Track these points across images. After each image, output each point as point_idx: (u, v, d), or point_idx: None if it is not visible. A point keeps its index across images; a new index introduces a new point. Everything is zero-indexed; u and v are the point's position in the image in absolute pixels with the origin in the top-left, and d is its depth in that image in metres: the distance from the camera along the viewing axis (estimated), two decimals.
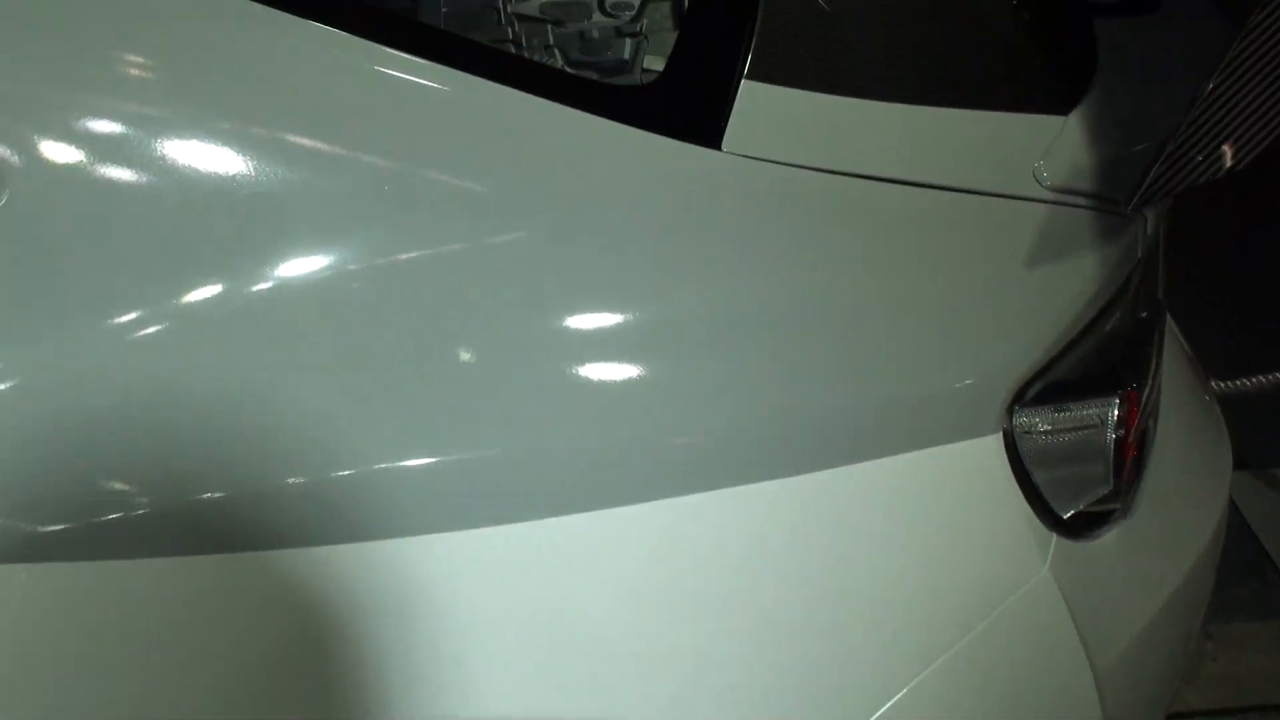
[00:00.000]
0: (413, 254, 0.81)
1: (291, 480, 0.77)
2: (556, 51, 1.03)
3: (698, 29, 1.04)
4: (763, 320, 0.87)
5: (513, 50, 1.03)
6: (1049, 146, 1.00)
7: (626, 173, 0.89)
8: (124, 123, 0.76)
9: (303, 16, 0.82)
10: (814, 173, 0.91)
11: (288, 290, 0.77)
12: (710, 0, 1.08)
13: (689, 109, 0.94)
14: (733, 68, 0.97)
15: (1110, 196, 1.01)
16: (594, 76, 1.01)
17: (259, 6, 0.79)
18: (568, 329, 0.83)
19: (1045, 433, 0.94)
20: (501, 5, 1.10)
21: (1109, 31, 1.16)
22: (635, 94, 0.95)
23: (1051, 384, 0.96)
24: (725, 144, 0.90)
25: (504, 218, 0.84)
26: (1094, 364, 0.99)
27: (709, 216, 0.88)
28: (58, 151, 0.75)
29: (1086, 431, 0.96)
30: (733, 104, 0.93)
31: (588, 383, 0.83)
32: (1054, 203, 0.98)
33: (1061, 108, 1.04)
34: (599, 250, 0.85)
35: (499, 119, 0.87)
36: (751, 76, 0.96)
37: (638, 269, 0.86)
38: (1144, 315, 1.08)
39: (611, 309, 0.84)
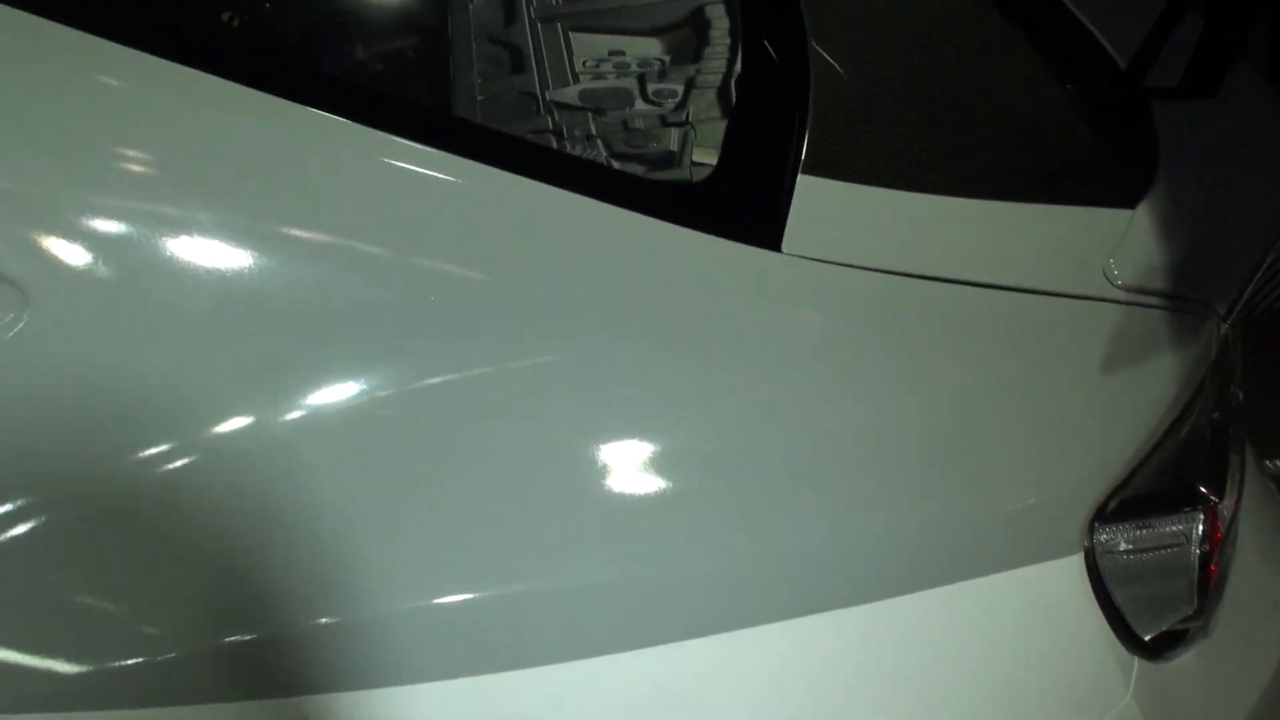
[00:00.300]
0: (452, 376, 0.75)
1: (322, 621, 0.71)
2: (599, 142, 0.98)
3: (747, 120, 0.99)
4: (832, 441, 0.81)
5: (553, 141, 0.98)
6: (1118, 243, 0.94)
7: (680, 279, 0.83)
8: (146, 232, 0.71)
9: (340, 116, 0.77)
10: (879, 275, 0.86)
11: (319, 419, 0.72)
12: (758, 89, 1.04)
13: (745, 207, 0.89)
14: (787, 161, 0.92)
15: (1185, 295, 0.96)
16: (640, 170, 0.96)
17: (316, 112, 0.74)
18: (623, 455, 0.78)
19: (1127, 551, 0.88)
20: (539, 93, 1.05)
21: (1168, 117, 1.12)
22: (686, 191, 0.89)
23: (1131, 497, 0.90)
24: (785, 245, 0.85)
25: (553, 332, 0.78)
26: (1174, 474, 0.93)
27: (771, 326, 0.83)
28: (78, 265, 0.69)
29: (1170, 550, 0.90)
30: (790, 200, 0.88)
31: (641, 511, 0.77)
32: (1127, 303, 0.93)
33: (1128, 200, 0.99)
34: (655, 366, 0.80)
35: (545, 221, 0.82)
36: (808, 171, 0.91)
37: (697, 387, 0.80)
38: (1217, 416, 1.02)
39: (672, 431, 0.79)
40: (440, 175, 0.79)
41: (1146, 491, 0.91)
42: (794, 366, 0.82)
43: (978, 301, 0.88)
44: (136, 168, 0.72)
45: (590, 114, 1.03)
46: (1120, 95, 1.12)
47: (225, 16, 1.05)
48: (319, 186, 0.76)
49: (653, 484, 0.77)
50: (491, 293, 0.78)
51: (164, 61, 0.76)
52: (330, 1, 1.16)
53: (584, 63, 1.13)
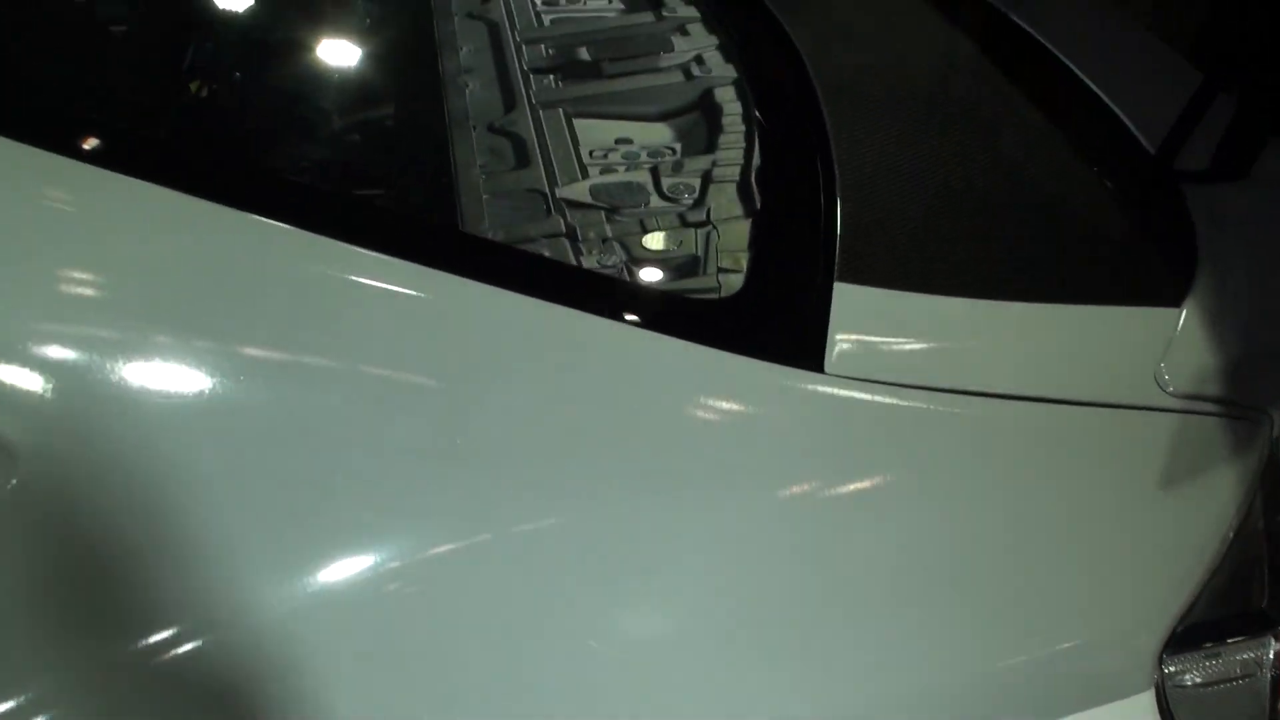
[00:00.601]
0: (465, 542, 0.68)
1: None
2: (616, 246, 0.92)
3: (774, 223, 0.93)
4: (884, 581, 0.75)
5: (568, 246, 0.92)
6: (1168, 345, 0.89)
7: (712, 409, 0.77)
8: (131, 373, 0.64)
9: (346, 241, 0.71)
10: (927, 393, 0.80)
11: (326, 598, 0.64)
12: (781, 187, 0.98)
13: (781, 322, 0.83)
14: (820, 268, 0.87)
15: (1238, 400, 0.91)
16: (662, 278, 0.89)
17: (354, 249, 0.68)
18: (638, 618, 0.71)
19: (1197, 684, 0.82)
20: (548, 190, 0.99)
21: (1201, 201, 1.07)
22: (716, 309, 0.83)
23: (1197, 624, 0.84)
24: (829, 364, 0.79)
25: (578, 481, 0.72)
26: (1238, 594, 0.88)
27: (818, 459, 0.76)
28: (65, 422, 0.62)
29: (1241, 680, 0.84)
30: (829, 313, 0.82)
31: (679, 678, 0.71)
32: (1181, 411, 0.87)
33: (1173, 297, 0.94)
34: (684, 513, 0.73)
35: (555, 348, 0.76)
36: (844, 278, 0.86)
37: (733, 531, 0.73)
38: (1262, 525, 0.97)
39: (714, 582, 0.72)
40: (440, 299, 0.73)
41: (1212, 616, 0.85)
42: (841, 501, 0.75)
43: (1028, 418, 0.83)
44: (106, 295, 0.66)
45: (604, 213, 0.97)
46: (1152, 181, 1.07)
47: (192, 118, 0.99)
48: (322, 316, 0.70)
49: (685, 646, 0.71)
50: (501, 438, 0.71)
51: (122, 176, 0.70)
52: (309, 98, 1.10)
53: (590, 152, 1.07)
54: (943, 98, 1.12)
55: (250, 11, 1.19)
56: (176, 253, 0.69)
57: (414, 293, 0.73)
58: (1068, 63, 1.20)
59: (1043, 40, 1.22)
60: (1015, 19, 1.28)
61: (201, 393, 0.65)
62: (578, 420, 0.73)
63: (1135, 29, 1.46)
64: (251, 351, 0.68)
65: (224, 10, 1.17)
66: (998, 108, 1.12)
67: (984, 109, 1.12)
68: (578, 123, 1.12)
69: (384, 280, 0.73)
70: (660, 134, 1.13)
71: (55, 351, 0.64)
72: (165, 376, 0.65)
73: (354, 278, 0.72)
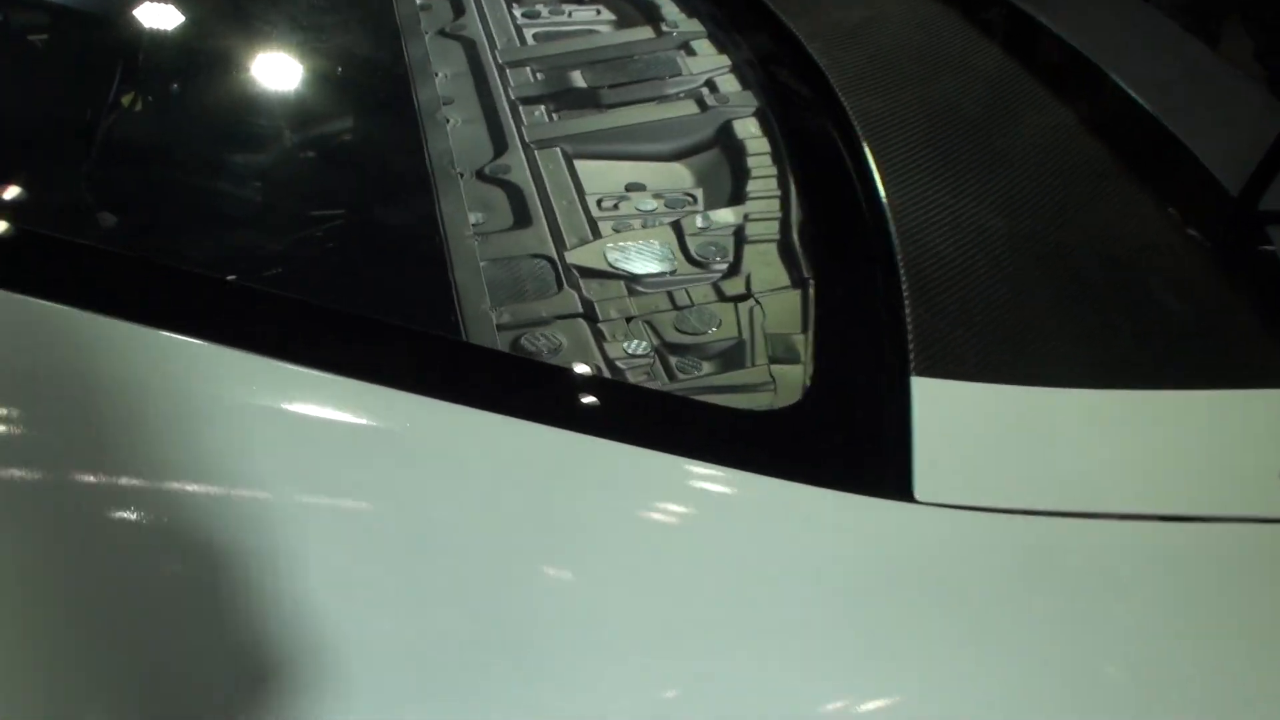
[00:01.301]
0: None
1: None
2: (645, 329, 0.76)
3: (828, 297, 0.79)
4: None
5: (585, 328, 0.76)
6: None
7: (779, 562, 0.62)
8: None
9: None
10: (1041, 520, 0.66)
11: None
12: (831, 248, 0.84)
13: (855, 438, 0.68)
14: (889, 356, 0.72)
15: None
16: (701, 372, 0.74)
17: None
18: None
19: None
20: (556, 255, 0.83)
21: None
22: (772, 425, 0.68)
23: None
24: (920, 489, 0.64)
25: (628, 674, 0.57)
26: None
27: (918, 621, 0.62)
28: None
29: None
30: (911, 419, 0.68)
31: None
32: None
33: None
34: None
35: (596, 485, 0.61)
36: (923, 370, 0.71)
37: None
38: None
39: None
40: (430, 435, 0.59)
41: None
42: (946, 676, 0.61)
43: (1144, 541, 0.69)
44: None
45: (624, 283, 0.81)
46: (1238, 227, 0.94)
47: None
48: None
49: None
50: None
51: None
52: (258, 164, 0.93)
53: (599, 202, 0.92)
54: (998, 131, 0.98)
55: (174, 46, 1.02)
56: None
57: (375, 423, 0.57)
58: (1128, 90, 1.06)
59: (1099, 63, 1.08)
60: (1062, 36, 1.14)
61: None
62: (614, 592, 0.58)
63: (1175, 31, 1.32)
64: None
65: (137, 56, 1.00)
66: (1062, 144, 0.98)
67: (1046, 145, 0.97)
68: (579, 165, 0.96)
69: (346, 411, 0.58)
70: (677, 177, 0.98)
71: None
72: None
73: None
